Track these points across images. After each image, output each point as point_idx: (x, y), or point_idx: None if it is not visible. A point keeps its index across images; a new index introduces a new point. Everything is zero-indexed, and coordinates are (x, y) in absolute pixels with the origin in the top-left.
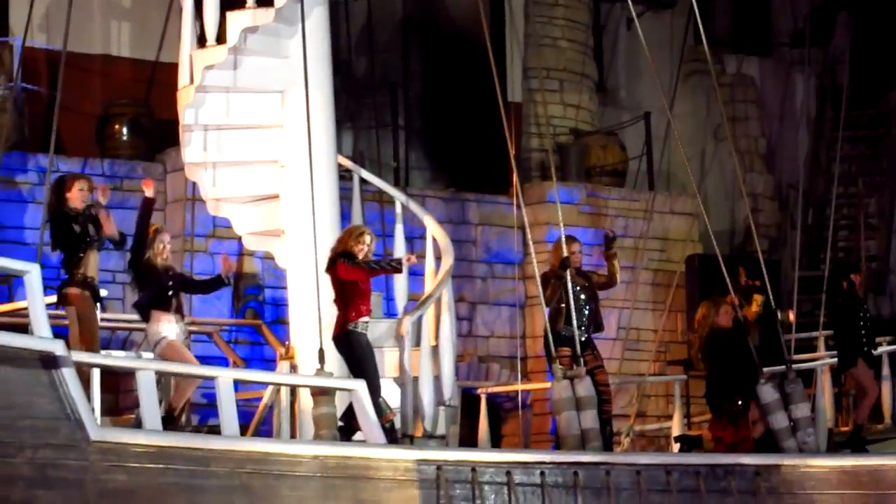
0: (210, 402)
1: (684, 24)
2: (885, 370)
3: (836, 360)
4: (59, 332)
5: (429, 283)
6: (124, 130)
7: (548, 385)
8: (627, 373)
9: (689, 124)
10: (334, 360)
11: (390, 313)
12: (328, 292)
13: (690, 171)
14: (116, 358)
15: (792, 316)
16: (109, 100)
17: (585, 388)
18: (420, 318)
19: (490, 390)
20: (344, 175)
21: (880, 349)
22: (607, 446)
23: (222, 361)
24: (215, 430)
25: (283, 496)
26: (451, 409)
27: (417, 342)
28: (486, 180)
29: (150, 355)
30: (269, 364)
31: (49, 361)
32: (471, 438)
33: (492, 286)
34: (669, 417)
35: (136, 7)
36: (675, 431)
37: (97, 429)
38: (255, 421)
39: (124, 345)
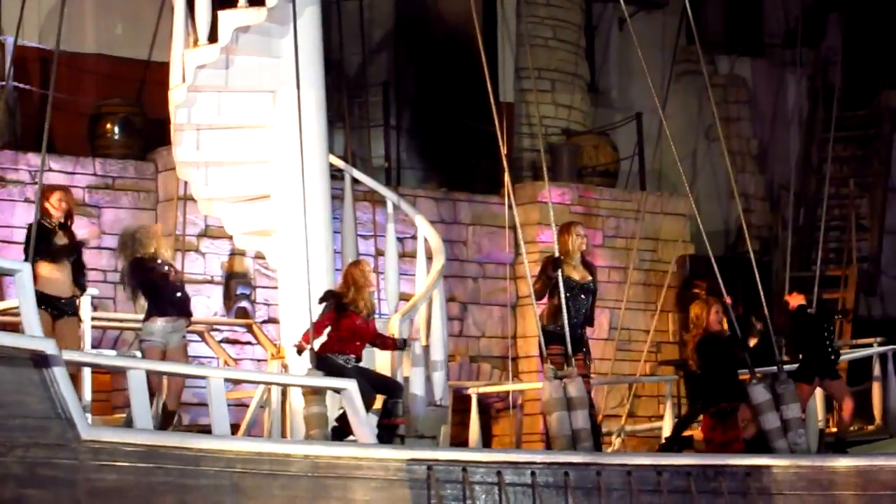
0: (201, 401)
1: (676, 25)
2: (876, 371)
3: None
4: None
5: (420, 283)
6: (116, 130)
7: (539, 385)
8: (619, 373)
9: (681, 125)
10: None
11: (381, 313)
12: (319, 292)
13: (682, 171)
14: (107, 357)
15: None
16: (101, 99)
17: (577, 388)
18: (411, 318)
19: (481, 390)
20: (335, 175)
21: (870, 350)
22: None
23: (213, 361)
24: (206, 430)
25: (273, 496)
26: (441, 409)
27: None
28: (477, 180)
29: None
30: (259, 363)
31: (40, 360)
32: (462, 438)
33: (483, 286)
34: (661, 418)
35: (128, 6)
36: (666, 432)
37: (88, 428)
38: (246, 420)
39: (115, 344)
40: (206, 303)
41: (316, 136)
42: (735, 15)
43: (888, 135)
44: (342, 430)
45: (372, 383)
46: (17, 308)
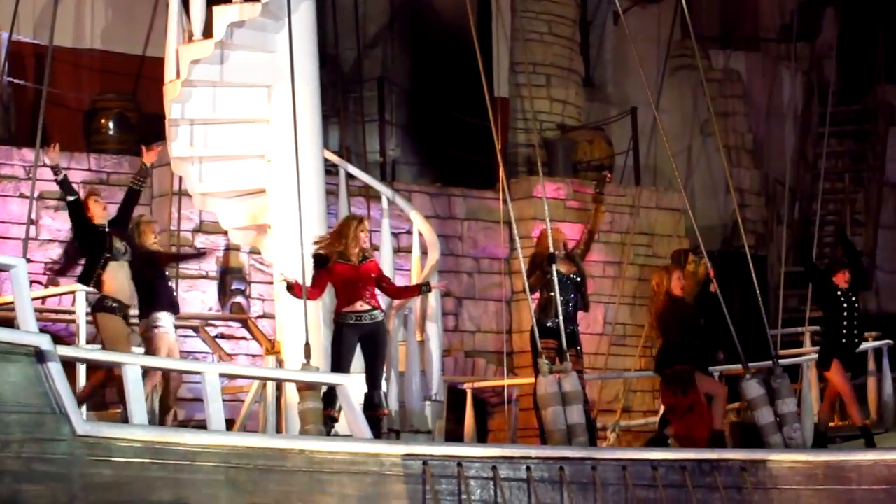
0: (196, 396)
1: (671, 19)
2: (871, 366)
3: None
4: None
5: (415, 278)
6: (111, 125)
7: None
8: (613, 368)
9: (676, 119)
10: (320, 354)
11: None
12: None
13: (677, 166)
14: (103, 352)
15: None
16: (96, 94)
17: (571, 383)
18: (406, 314)
19: (476, 385)
20: (330, 170)
21: (866, 345)
22: (593, 444)
23: (209, 356)
24: (202, 425)
25: (269, 491)
26: (437, 404)
27: (404, 337)
28: (472, 175)
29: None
30: (255, 359)
31: (36, 356)
32: (457, 433)
33: (478, 281)
34: (655, 412)
35: (123, 1)
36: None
37: (83, 423)
38: (242, 415)
39: None
40: (202, 298)
41: (311, 131)
42: (730, 9)
43: (883, 129)
44: (330, 417)
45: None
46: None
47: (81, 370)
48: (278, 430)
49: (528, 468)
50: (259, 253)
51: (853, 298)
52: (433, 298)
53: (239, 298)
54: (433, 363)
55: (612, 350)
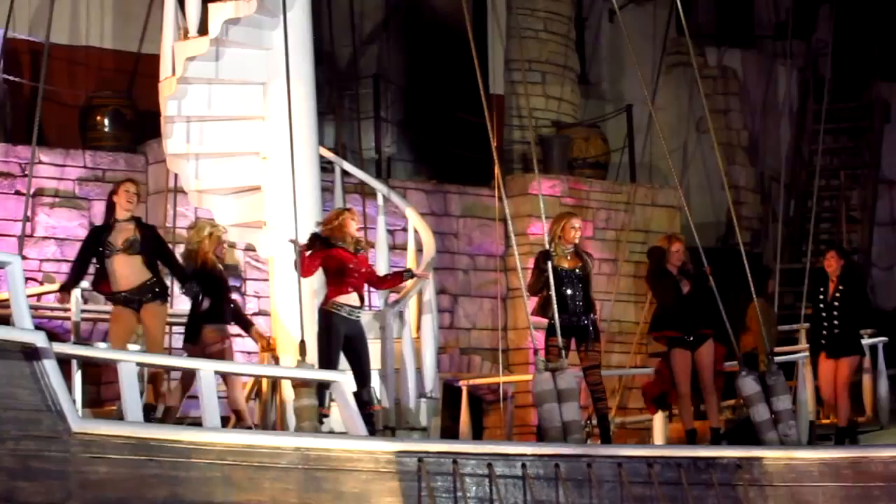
0: (192, 393)
1: (666, 16)
2: (866, 363)
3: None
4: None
5: None
6: (106, 122)
7: (530, 377)
8: (609, 365)
9: (672, 116)
10: (315, 351)
11: (372, 305)
12: (309, 284)
13: (672, 163)
14: (98, 349)
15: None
16: (92, 91)
17: (567, 380)
18: (402, 310)
19: (472, 382)
20: (326, 167)
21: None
22: (606, 439)
23: None
24: (197, 422)
25: (264, 488)
26: (432, 401)
27: (399, 334)
28: (468, 172)
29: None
30: (250, 356)
31: (31, 353)
32: (453, 430)
33: (474, 278)
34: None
35: None
36: (657, 424)
37: (79, 420)
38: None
39: (105, 336)
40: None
41: (306, 128)
42: (725, 6)
43: (879, 126)
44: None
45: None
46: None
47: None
48: (274, 428)
49: (523, 465)
50: (254, 250)
51: (840, 287)
52: (428, 294)
53: (234, 295)
54: (428, 360)
55: (608, 347)
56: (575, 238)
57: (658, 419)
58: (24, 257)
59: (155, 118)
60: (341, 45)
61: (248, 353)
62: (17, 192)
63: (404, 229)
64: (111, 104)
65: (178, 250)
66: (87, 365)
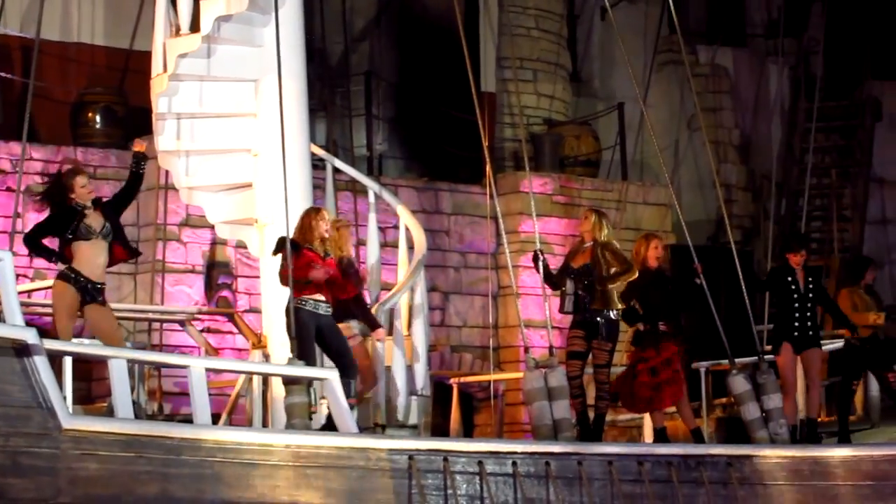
0: (183, 390)
1: (658, 15)
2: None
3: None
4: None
5: (402, 273)
6: (98, 118)
7: (520, 375)
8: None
9: (663, 114)
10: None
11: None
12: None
13: (664, 161)
14: (89, 346)
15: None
16: (83, 87)
17: (557, 378)
18: (393, 308)
19: (462, 380)
20: (317, 164)
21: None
22: (597, 438)
23: (195, 350)
24: (187, 419)
25: (254, 485)
26: (423, 399)
27: (390, 331)
28: (459, 170)
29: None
30: (241, 353)
31: (21, 350)
32: (443, 428)
33: (465, 276)
34: None
35: None
36: (648, 422)
37: (69, 417)
38: (227, 410)
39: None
40: (188, 292)
41: (298, 125)
42: (717, 5)
43: (870, 125)
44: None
45: (331, 346)
46: None
47: (68, 364)
48: (264, 425)
49: (514, 463)
50: (245, 247)
51: (809, 280)
52: (419, 292)
53: (225, 293)
54: (419, 358)
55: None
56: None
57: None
58: (14, 253)
59: (146, 115)
60: (333, 42)
61: (239, 350)
62: (8, 189)
63: (395, 227)
64: (102, 101)
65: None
66: (78, 361)
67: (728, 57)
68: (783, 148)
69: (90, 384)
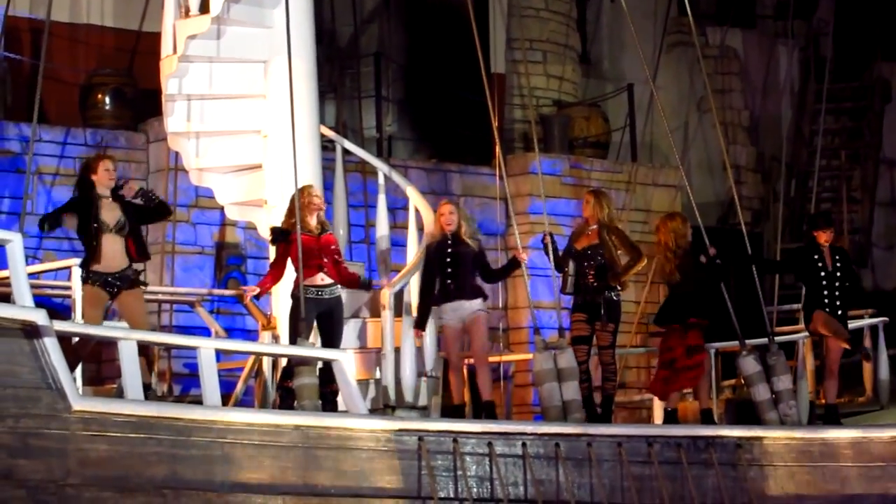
0: (192, 372)
1: None
2: (867, 343)
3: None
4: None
5: (411, 254)
6: (107, 100)
7: (529, 356)
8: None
9: (673, 96)
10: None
11: (375, 285)
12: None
13: (673, 142)
14: (99, 328)
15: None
16: (93, 69)
17: (567, 359)
18: (402, 289)
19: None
20: (327, 145)
21: (861, 322)
22: (607, 420)
23: (204, 332)
24: (197, 401)
25: (264, 466)
26: (432, 380)
27: (399, 313)
28: (469, 151)
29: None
30: (250, 334)
31: (31, 331)
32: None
33: None
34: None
35: None
36: (657, 403)
37: (79, 398)
38: (237, 391)
39: (105, 314)
40: (197, 274)
41: (307, 106)
42: None
43: (879, 107)
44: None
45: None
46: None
47: None
48: (274, 406)
49: (523, 444)
50: (255, 228)
51: (837, 258)
52: None
53: (235, 274)
54: (428, 339)
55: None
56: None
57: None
58: (24, 235)
59: (156, 96)
60: (342, 23)
61: (248, 331)
62: (18, 170)
63: (405, 208)
64: (112, 82)
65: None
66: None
67: (738, 38)
68: (792, 130)
69: (100, 365)
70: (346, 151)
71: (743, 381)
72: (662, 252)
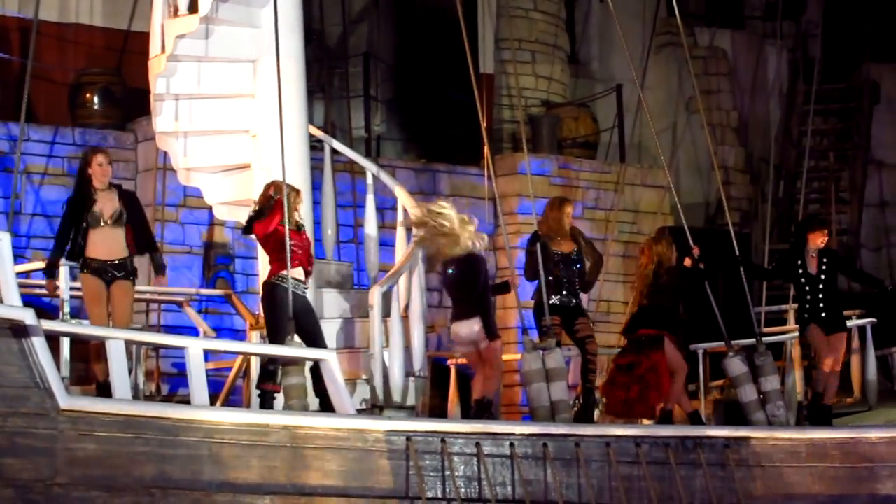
0: (180, 371)
1: None
2: (855, 343)
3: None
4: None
5: (399, 254)
6: (96, 99)
7: (518, 356)
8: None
9: (661, 97)
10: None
11: (361, 284)
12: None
13: (661, 143)
14: (87, 327)
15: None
16: (81, 68)
17: (555, 359)
18: (390, 289)
19: (460, 361)
20: (315, 145)
21: (849, 323)
22: (589, 416)
23: (192, 331)
24: (185, 400)
25: (252, 466)
26: (420, 380)
27: (388, 313)
28: (457, 151)
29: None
30: (239, 334)
31: (19, 330)
32: (441, 409)
33: None
34: None
35: None
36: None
37: (66, 397)
38: (225, 391)
39: None
40: (186, 273)
41: (296, 106)
42: None
43: (868, 108)
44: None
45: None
46: None
47: (65, 344)
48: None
49: (511, 444)
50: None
51: (823, 262)
52: (417, 273)
53: (223, 273)
54: (417, 339)
55: (597, 327)
56: (568, 225)
57: None
58: (13, 234)
59: (144, 96)
60: (331, 23)
61: (237, 330)
62: (7, 169)
63: (393, 208)
64: (100, 81)
65: (168, 228)
66: (76, 342)
67: (726, 39)
68: (781, 130)
69: (88, 364)
70: (334, 151)
71: (730, 382)
72: (641, 275)
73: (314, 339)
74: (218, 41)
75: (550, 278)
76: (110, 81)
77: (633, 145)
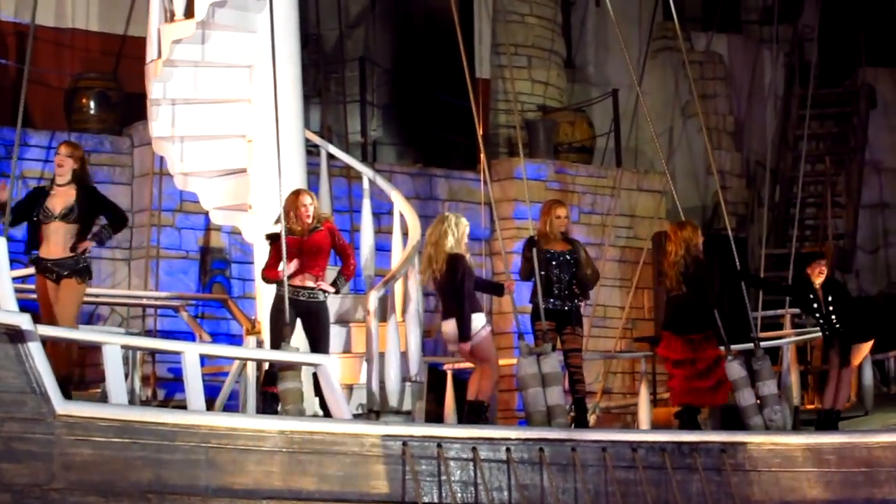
0: (177, 376)
1: (653, 1)
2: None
3: (802, 337)
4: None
5: (396, 259)
6: (92, 104)
7: (514, 361)
8: (594, 349)
9: (658, 101)
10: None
11: (357, 289)
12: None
13: (658, 147)
14: (83, 332)
15: None
16: (78, 73)
17: (551, 364)
18: (387, 294)
19: (457, 366)
20: (311, 150)
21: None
22: (581, 423)
23: (189, 336)
24: (181, 405)
25: (248, 471)
26: (417, 385)
27: (384, 317)
28: (453, 156)
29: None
30: (235, 339)
31: (15, 335)
32: (437, 414)
33: None
34: (635, 394)
35: None
36: (642, 408)
37: (63, 402)
38: (222, 396)
39: (90, 319)
40: (182, 278)
41: (292, 111)
42: None
43: (864, 112)
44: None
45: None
46: None
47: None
48: (258, 411)
49: (507, 449)
50: (240, 233)
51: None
52: (413, 278)
53: (219, 278)
54: (413, 344)
55: (593, 332)
56: (562, 227)
57: (643, 403)
58: (9, 239)
59: (141, 101)
60: (327, 27)
61: (233, 335)
62: (3, 174)
63: (390, 213)
64: (97, 86)
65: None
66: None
67: (723, 43)
68: (777, 135)
69: (84, 370)
70: (330, 156)
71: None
72: (672, 262)
73: (315, 343)
74: (214, 46)
75: (542, 273)
76: (107, 86)
77: (629, 150)
